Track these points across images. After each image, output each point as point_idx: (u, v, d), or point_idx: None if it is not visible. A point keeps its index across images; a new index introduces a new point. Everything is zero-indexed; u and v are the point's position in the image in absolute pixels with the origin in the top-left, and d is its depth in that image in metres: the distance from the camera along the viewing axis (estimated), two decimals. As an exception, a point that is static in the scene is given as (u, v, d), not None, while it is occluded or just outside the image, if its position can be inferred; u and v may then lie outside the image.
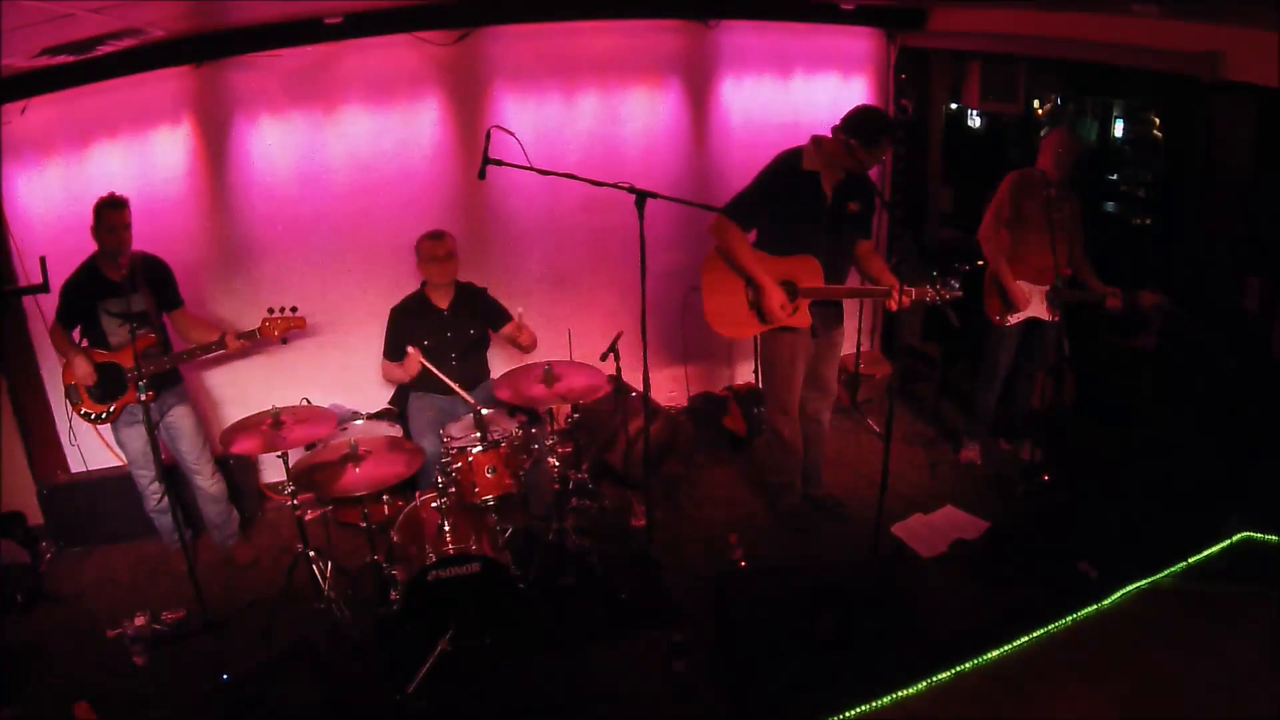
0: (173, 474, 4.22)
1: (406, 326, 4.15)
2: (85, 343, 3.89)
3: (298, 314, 3.87)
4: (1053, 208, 4.18)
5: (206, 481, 4.14)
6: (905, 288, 3.66)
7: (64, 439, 4.43)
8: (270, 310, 3.86)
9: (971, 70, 5.22)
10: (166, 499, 3.78)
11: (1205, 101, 4.27)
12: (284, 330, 3.86)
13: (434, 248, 4.09)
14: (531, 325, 4.23)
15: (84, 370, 3.80)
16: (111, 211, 3.69)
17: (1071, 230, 4.29)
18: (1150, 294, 4.20)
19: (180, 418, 4.05)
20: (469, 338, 4.24)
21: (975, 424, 4.81)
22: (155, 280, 3.94)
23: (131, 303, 3.75)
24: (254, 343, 3.91)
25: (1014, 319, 4.43)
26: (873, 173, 3.90)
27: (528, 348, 4.26)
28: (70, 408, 3.93)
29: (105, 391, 3.86)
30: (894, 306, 3.67)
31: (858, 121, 3.61)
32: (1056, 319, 4.31)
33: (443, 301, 4.19)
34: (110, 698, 3.29)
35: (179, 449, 4.10)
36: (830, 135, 3.69)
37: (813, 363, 4.05)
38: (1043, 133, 4.40)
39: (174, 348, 3.99)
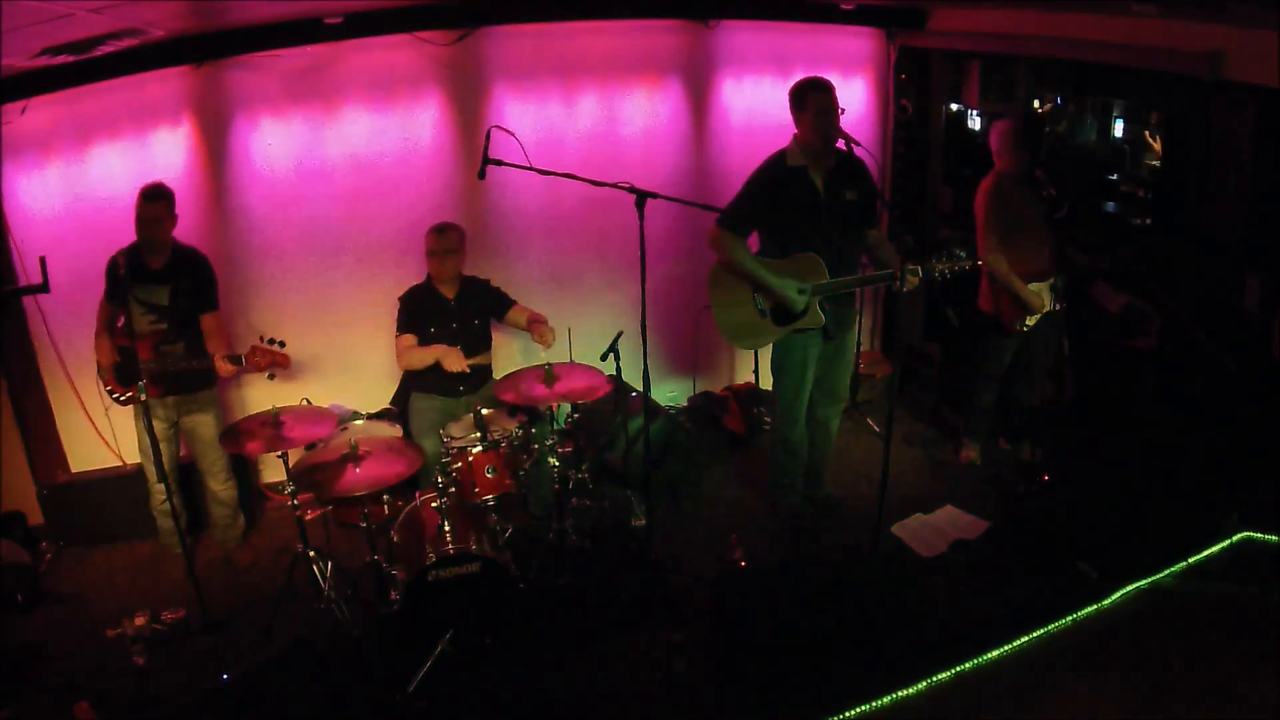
0: (188, 471, 4.24)
1: (415, 312, 4.18)
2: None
3: (284, 349, 3.69)
4: (1030, 203, 4.17)
5: (219, 486, 4.16)
6: (911, 265, 3.47)
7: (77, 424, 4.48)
8: (261, 338, 3.70)
9: (971, 70, 5.23)
10: (169, 502, 3.74)
11: (1205, 101, 4.27)
12: (267, 365, 3.68)
13: (435, 242, 4.12)
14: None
15: (102, 350, 3.85)
16: (143, 203, 3.72)
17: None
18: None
19: (197, 425, 4.03)
20: (474, 329, 4.25)
21: (974, 424, 4.80)
22: (186, 277, 3.89)
23: (153, 294, 3.77)
24: (241, 369, 3.80)
25: (1031, 321, 4.36)
26: (873, 173, 3.90)
27: (541, 344, 4.14)
28: (100, 384, 3.96)
29: (123, 376, 3.86)
30: (899, 286, 3.45)
31: (789, 98, 3.69)
32: (1055, 309, 4.31)
33: (449, 292, 4.22)
34: (110, 698, 3.29)
35: (194, 451, 4.10)
36: None
37: (823, 367, 4.03)
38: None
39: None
